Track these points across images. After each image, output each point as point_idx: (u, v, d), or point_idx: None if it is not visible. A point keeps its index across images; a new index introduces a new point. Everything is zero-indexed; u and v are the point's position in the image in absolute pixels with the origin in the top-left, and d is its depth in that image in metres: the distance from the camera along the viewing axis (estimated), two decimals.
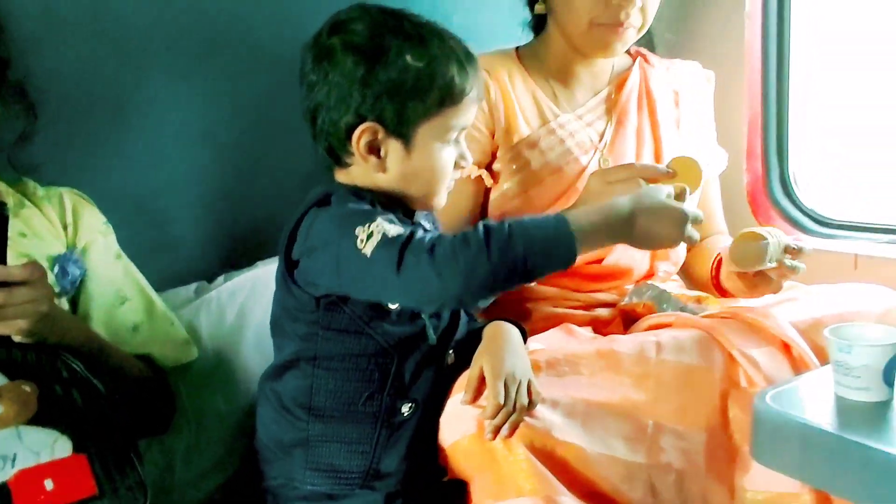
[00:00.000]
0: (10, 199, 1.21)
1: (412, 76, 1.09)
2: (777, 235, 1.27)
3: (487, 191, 1.46)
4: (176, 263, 1.49)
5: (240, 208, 1.56)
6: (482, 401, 1.09)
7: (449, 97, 1.11)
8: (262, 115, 1.55)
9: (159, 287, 1.35)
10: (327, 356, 1.14)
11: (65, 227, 1.24)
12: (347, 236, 1.03)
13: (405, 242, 0.99)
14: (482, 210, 1.48)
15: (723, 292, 1.44)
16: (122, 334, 1.25)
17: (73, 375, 1.05)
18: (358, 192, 1.13)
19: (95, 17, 1.38)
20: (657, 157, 1.52)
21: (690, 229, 1.10)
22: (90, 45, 1.38)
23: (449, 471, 1.14)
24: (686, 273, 1.60)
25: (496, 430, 1.05)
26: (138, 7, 1.41)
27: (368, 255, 1.00)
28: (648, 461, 1.13)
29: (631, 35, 1.41)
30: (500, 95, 1.44)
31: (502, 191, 1.44)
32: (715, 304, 1.45)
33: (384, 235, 1.01)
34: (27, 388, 0.99)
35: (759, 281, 1.33)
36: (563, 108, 1.48)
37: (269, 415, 1.20)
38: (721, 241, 1.57)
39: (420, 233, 1.02)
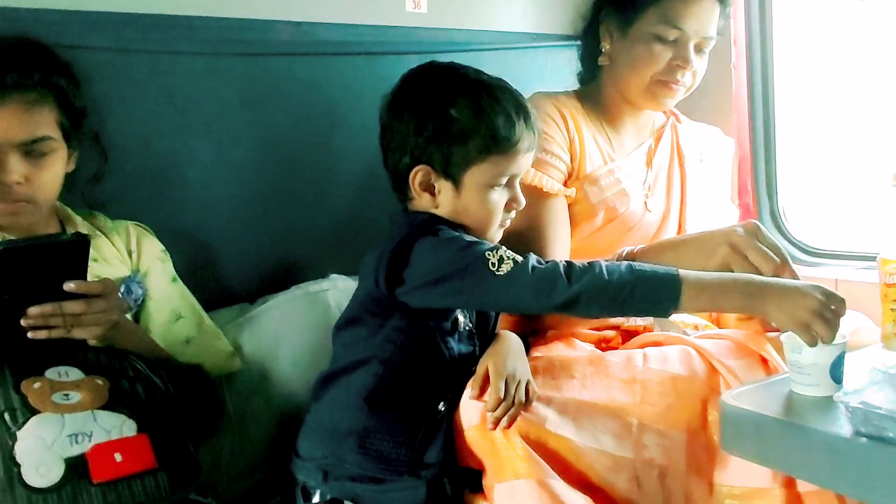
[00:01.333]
0: (84, 229, 1.37)
1: (457, 126, 1.25)
2: None
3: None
4: (222, 286, 1.61)
5: (277, 240, 1.67)
6: (486, 396, 1.23)
7: (495, 146, 1.25)
8: (298, 160, 1.69)
9: (207, 307, 1.48)
10: (400, 361, 1.27)
11: (130, 254, 1.40)
12: (479, 261, 1.19)
13: (536, 265, 1.18)
14: None
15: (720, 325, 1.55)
16: (176, 346, 1.39)
17: (137, 373, 1.21)
18: (451, 224, 1.28)
19: (159, 77, 1.53)
20: (682, 207, 1.65)
21: (823, 322, 1.11)
22: (153, 101, 1.53)
23: (461, 458, 1.27)
24: None
25: (496, 422, 1.19)
26: (195, 70, 1.57)
27: (504, 275, 1.18)
28: (633, 456, 1.24)
29: (680, 93, 1.56)
30: (576, 130, 1.57)
31: None
32: (712, 330, 1.57)
33: (515, 260, 1.19)
34: (100, 382, 1.16)
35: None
36: (616, 152, 1.62)
37: (332, 402, 1.30)
38: None
39: (540, 259, 1.20)
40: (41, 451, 1.06)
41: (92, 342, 1.19)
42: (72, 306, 1.13)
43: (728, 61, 1.87)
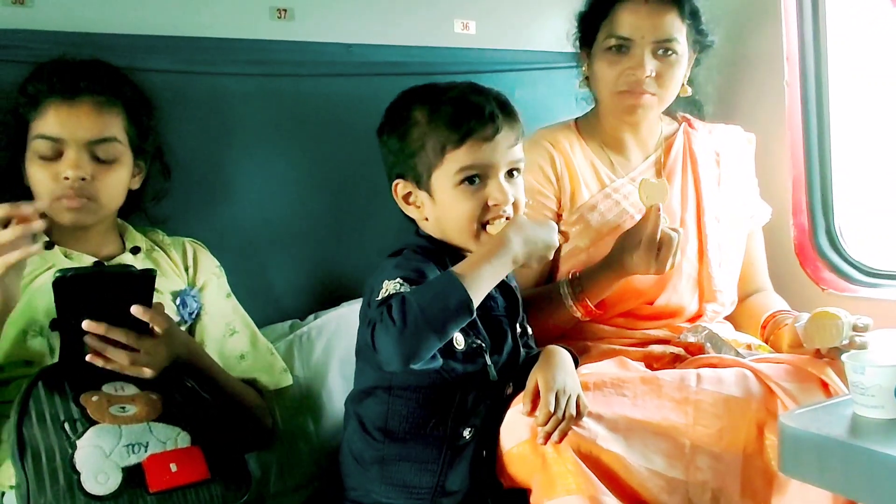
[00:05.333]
0: (144, 244, 1.41)
1: (415, 132, 1.26)
2: (845, 315, 1.34)
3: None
4: (273, 303, 1.64)
5: (327, 258, 1.71)
6: (537, 412, 1.20)
7: (449, 143, 1.23)
8: (347, 179, 1.72)
9: (259, 323, 1.50)
10: (401, 387, 1.26)
11: (186, 269, 1.44)
12: (378, 288, 1.16)
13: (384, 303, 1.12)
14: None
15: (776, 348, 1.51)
16: (230, 361, 1.41)
17: (189, 388, 1.24)
18: (426, 248, 1.27)
19: (215, 98, 1.58)
20: (699, 212, 1.62)
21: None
22: (209, 121, 1.58)
23: (506, 479, 1.25)
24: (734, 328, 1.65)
25: (547, 436, 1.17)
26: (247, 91, 1.62)
27: (373, 306, 1.15)
28: (685, 478, 1.22)
29: (650, 101, 1.54)
30: (565, 165, 1.58)
31: (570, 248, 1.55)
32: (766, 351, 1.53)
33: (389, 294, 1.13)
34: (154, 396, 1.19)
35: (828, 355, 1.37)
36: (618, 173, 1.61)
37: (352, 434, 1.31)
38: (765, 299, 1.66)
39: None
40: (100, 460, 1.09)
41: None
42: (132, 342, 1.17)
43: (781, 78, 1.84)
